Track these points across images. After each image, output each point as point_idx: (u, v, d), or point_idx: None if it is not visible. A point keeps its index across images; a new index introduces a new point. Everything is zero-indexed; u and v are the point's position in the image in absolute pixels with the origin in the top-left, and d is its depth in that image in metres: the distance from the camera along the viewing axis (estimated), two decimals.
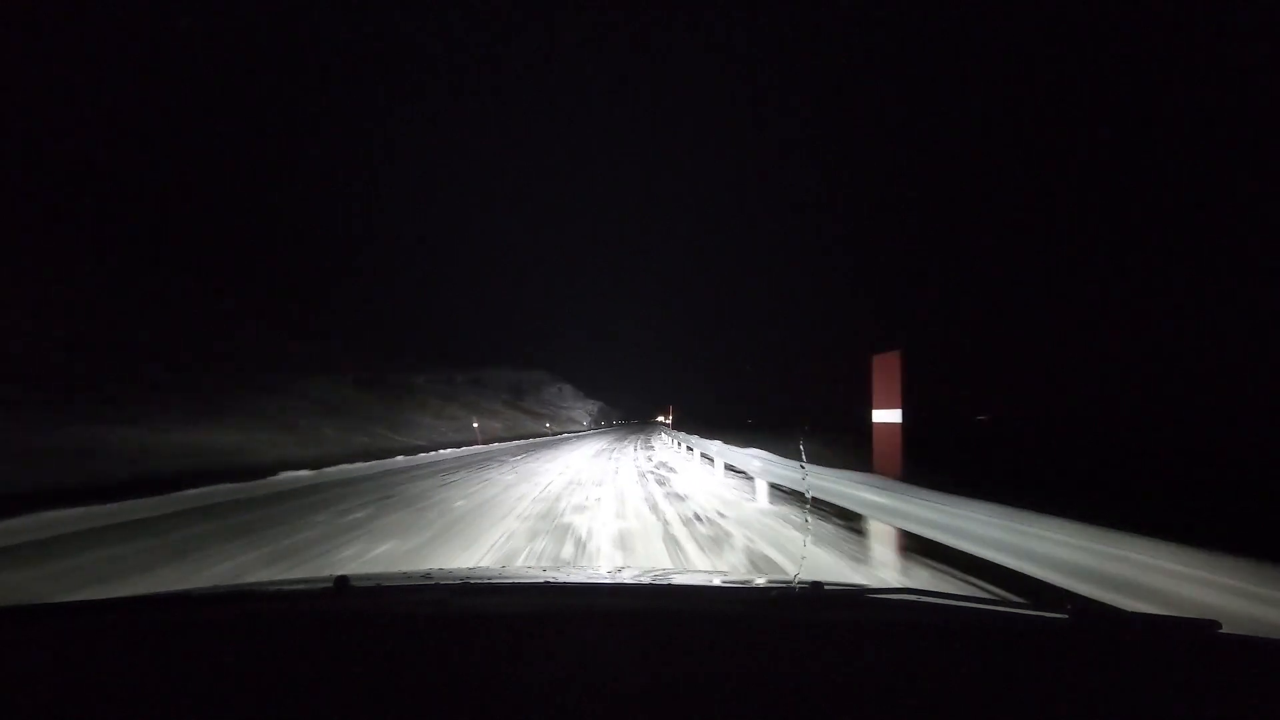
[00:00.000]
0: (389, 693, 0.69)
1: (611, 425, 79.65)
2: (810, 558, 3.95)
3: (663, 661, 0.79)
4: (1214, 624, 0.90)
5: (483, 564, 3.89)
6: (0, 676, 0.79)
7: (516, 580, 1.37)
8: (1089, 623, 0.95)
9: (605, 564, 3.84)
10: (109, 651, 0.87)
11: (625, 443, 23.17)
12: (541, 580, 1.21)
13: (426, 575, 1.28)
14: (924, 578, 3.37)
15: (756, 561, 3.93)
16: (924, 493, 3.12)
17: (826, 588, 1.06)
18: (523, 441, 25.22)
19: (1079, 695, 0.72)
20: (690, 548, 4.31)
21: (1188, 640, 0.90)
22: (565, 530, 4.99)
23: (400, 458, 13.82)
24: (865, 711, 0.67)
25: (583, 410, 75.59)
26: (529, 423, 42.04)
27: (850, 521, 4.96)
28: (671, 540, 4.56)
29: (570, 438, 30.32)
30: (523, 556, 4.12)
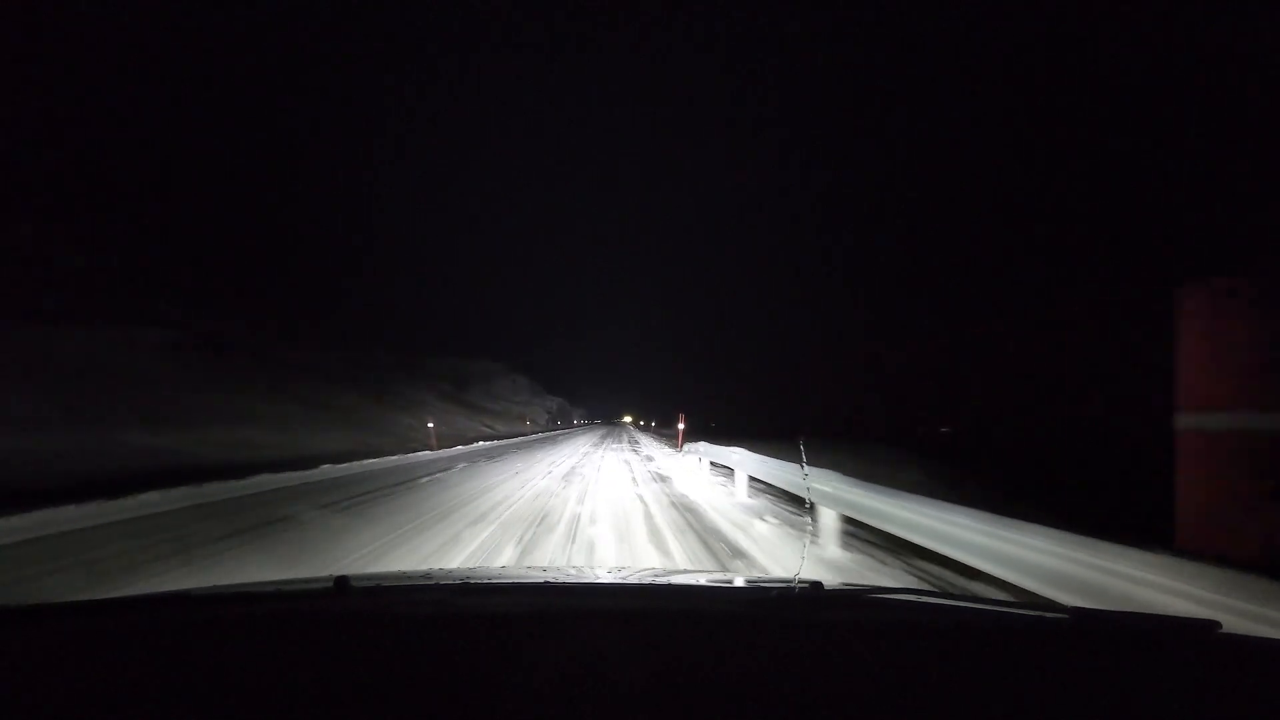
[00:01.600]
0: (389, 693, 0.69)
1: (573, 426, 74.79)
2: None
3: (663, 661, 0.79)
4: (1214, 624, 0.90)
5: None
6: (0, 676, 0.78)
7: (516, 580, 1.38)
8: (1089, 623, 0.96)
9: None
10: (109, 651, 0.86)
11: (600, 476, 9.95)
12: (541, 580, 1.23)
13: (426, 575, 1.31)
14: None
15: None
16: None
17: (827, 588, 1.06)
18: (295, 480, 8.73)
19: (1079, 695, 0.73)
20: None
21: (1188, 640, 0.91)
22: None
23: None
24: (865, 711, 0.68)
25: (540, 407, 70.07)
26: (463, 420, 34.80)
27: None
28: None
29: (485, 454, 15.58)
30: None
